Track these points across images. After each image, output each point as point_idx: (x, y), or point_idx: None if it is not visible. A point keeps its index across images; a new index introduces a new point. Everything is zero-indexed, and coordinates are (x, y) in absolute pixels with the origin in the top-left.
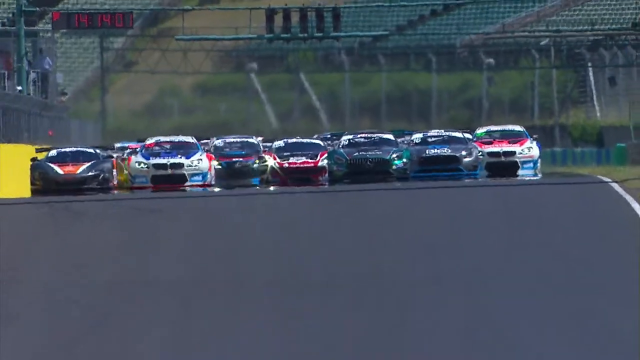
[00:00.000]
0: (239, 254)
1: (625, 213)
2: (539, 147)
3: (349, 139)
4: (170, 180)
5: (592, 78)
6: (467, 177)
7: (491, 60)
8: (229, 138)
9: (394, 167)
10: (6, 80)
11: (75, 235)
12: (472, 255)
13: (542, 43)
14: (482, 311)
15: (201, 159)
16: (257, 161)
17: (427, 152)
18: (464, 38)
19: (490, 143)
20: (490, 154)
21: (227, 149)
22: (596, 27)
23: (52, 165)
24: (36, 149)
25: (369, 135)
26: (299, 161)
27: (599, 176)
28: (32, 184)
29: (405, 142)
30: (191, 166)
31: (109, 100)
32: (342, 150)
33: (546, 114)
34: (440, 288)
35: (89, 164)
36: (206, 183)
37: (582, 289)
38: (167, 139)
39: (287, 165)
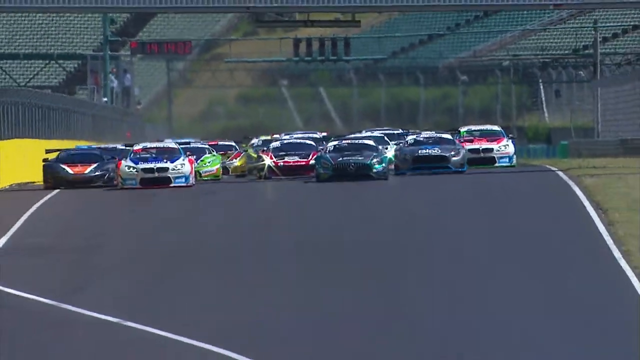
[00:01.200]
0: (273, 224)
1: (567, 190)
2: (514, 145)
3: (334, 145)
4: (156, 182)
5: (542, 91)
6: (455, 173)
7: (465, 78)
8: (293, 135)
9: (374, 170)
10: (95, 93)
11: (150, 210)
12: (453, 222)
13: (504, 64)
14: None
15: (184, 164)
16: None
17: (419, 152)
18: (445, 61)
19: (471, 141)
20: (471, 150)
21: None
22: (545, 52)
23: (62, 165)
24: (46, 150)
25: (352, 141)
26: (292, 160)
27: (548, 166)
28: (44, 181)
29: (400, 142)
30: (175, 169)
31: (173, 109)
32: (328, 155)
33: (507, 118)
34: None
35: (96, 164)
36: (188, 184)
37: (536, 244)
38: (153, 145)
39: (282, 163)
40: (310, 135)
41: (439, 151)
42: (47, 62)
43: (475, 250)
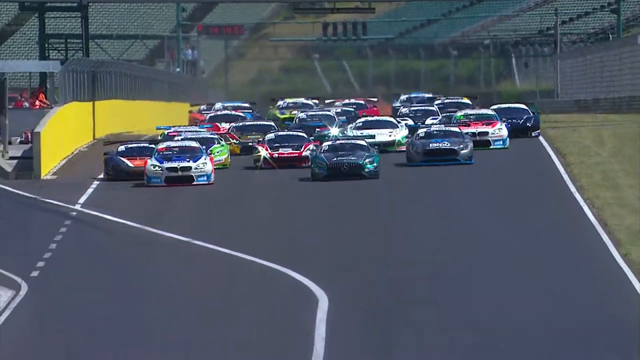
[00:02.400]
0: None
1: (534, 139)
2: (507, 128)
3: (329, 145)
4: (180, 180)
5: (514, 63)
6: (463, 165)
7: (455, 53)
8: (310, 111)
9: (366, 170)
10: (170, 65)
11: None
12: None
13: (485, 42)
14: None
15: (205, 162)
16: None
17: (430, 146)
18: (440, 40)
19: (467, 125)
20: (468, 134)
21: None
22: (517, 32)
23: (123, 159)
24: (103, 143)
25: (345, 141)
26: (286, 151)
27: None
28: (105, 173)
29: (409, 136)
30: (197, 168)
31: (229, 77)
32: (323, 155)
33: (487, 85)
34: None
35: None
36: (210, 182)
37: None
38: (176, 144)
39: (276, 155)
40: (306, 101)
41: (449, 145)
42: (133, 41)
43: (458, 179)
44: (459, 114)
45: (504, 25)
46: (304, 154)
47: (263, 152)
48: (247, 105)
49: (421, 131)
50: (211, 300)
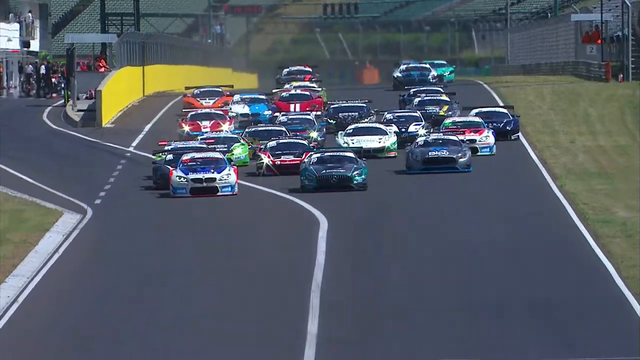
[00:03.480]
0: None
1: (490, 96)
2: (494, 136)
3: (317, 157)
4: (204, 191)
5: (474, 36)
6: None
7: (428, 28)
8: (290, 115)
9: (354, 182)
10: (204, 38)
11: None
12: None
13: (451, 20)
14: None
15: (229, 174)
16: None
17: (429, 154)
18: (416, 17)
19: (455, 133)
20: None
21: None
22: (477, 12)
23: (170, 168)
24: (153, 152)
25: (334, 153)
26: (288, 159)
27: (478, 81)
28: (154, 182)
29: (409, 144)
30: (222, 180)
31: (250, 47)
32: (312, 167)
33: (453, 53)
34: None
35: None
36: (234, 193)
37: None
38: (200, 155)
39: (279, 162)
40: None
41: (447, 153)
42: (174, 18)
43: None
44: (447, 121)
45: (466, 6)
46: (304, 161)
47: (266, 160)
48: (262, 97)
49: (420, 139)
50: (236, 222)
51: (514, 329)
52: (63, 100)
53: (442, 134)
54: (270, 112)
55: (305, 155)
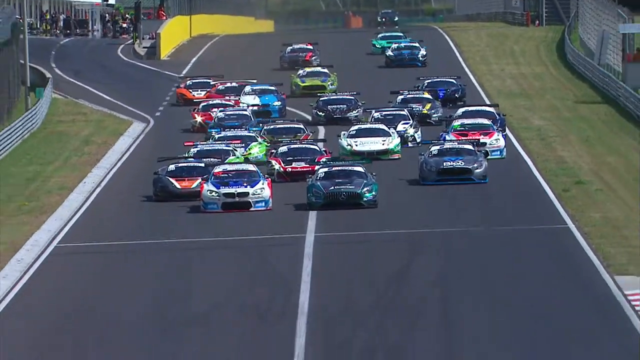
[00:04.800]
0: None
1: (442, 38)
2: (504, 138)
3: (325, 172)
4: (237, 207)
5: None
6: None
7: None
8: (228, 111)
9: (364, 199)
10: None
11: None
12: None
13: None
14: None
15: (263, 188)
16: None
17: (444, 165)
18: None
19: (465, 135)
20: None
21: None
22: None
23: (171, 179)
24: (158, 159)
25: (342, 168)
26: (299, 166)
27: (434, 26)
28: (154, 194)
29: (422, 153)
30: (255, 194)
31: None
32: (319, 183)
33: (415, 5)
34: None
35: (201, 178)
36: (268, 208)
37: None
38: (233, 167)
39: (290, 169)
40: (323, 70)
41: (463, 163)
42: None
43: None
44: (456, 123)
45: None
46: (316, 168)
47: (277, 166)
48: (272, 88)
49: (434, 148)
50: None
51: None
52: (132, 40)
53: (456, 143)
54: (279, 102)
55: (318, 161)
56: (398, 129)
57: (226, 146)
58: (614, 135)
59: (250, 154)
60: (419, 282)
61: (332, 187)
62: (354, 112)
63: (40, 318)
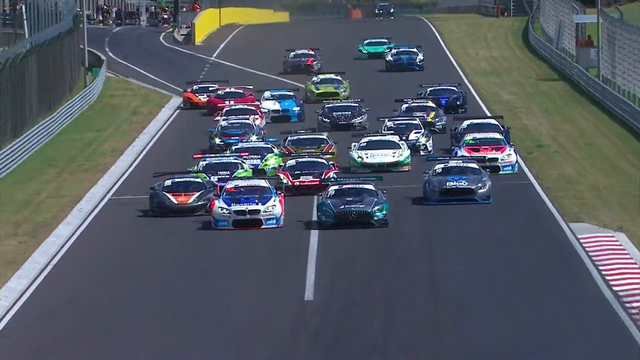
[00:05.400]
0: None
1: (428, 28)
2: (516, 153)
3: (335, 189)
4: (248, 224)
5: None
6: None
7: None
8: (231, 119)
9: (375, 218)
10: None
11: None
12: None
13: None
14: None
15: (275, 205)
16: None
17: (447, 184)
18: None
19: (477, 150)
20: (477, 159)
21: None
22: None
23: (167, 194)
24: (153, 175)
25: (353, 185)
26: (307, 180)
27: (420, 17)
28: (150, 210)
29: (427, 172)
30: (266, 212)
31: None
32: (329, 201)
33: None
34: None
35: (198, 194)
36: (279, 225)
37: None
38: (245, 183)
39: (298, 183)
40: (335, 77)
41: (466, 183)
42: None
43: None
44: (468, 137)
45: None
46: (323, 182)
47: (285, 180)
48: (291, 93)
49: (438, 167)
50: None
51: None
52: (171, 29)
53: (461, 161)
54: (298, 108)
55: (325, 175)
56: (410, 137)
57: (235, 159)
58: (569, 107)
59: (266, 165)
60: (404, 239)
61: (343, 206)
62: (358, 118)
63: (98, 255)
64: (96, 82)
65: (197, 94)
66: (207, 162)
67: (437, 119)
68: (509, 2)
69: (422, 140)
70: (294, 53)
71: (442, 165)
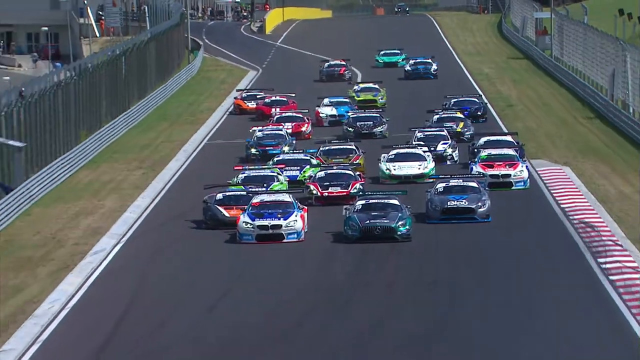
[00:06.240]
0: None
1: (431, 22)
2: (528, 170)
3: (362, 204)
4: (270, 238)
5: None
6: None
7: None
8: (265, 130)
9: (398, 233)
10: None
11: None
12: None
13: None
14: None
15: (296, 220)
16: None
17: (448, 204)
18: None
19: (492, 166)
20: (492, 175)
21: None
22: None
23: (220, 208)
24: (204, 187)
25: (379, 200)
26: (335, 190)
27: (425, 14)
28: (204, 222)
29: (429, 190)
30: (288, 227)
31: None
32: (355, 216)
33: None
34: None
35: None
36: (300, 240)
37: None
38: (271, 198)
39: (326, 194)
40: (374, 85)
41: (467, 203)
42: None
43: None
44: (483, 154)
45: None
46: (350, 192)
47: (314, 191)
48: (347, 100)
49: (440, 186)
50: None
51: None
52: (249, 22)
53: (461, 180)
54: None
55: (352, 187)
56: (438, 148)
57: (271, 172)
58: (530, 78)
59: (304, 177)
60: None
61: (368, 221)
62: (379, 127)
63: (201, 180)
64: (196, 60)
65: (245, 101)
66: (245, 174)
67: (465, 129)
68: (488, 2)
69: (449, 150)
70: (328, 63)
71: (443, 184)
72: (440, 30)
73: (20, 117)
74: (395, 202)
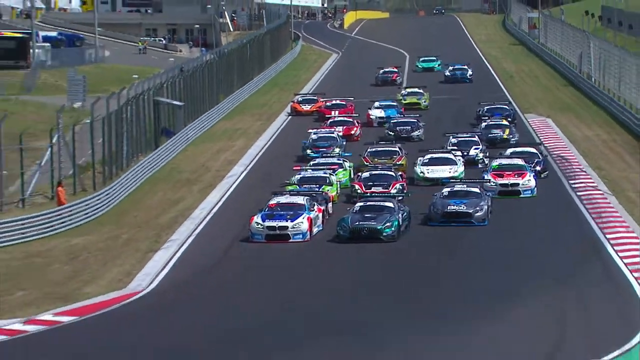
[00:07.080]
0: None
1: (455, 18)
2: (536, 179)
3: (360, 206)
4: (277, 238)
5: None
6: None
7: None
8: (320, 133)
9: (383, 234)
10: None
11: None
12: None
13: None
14: None
15: (302, 222)
16: None
17: (448, 208)
18: None
19: (502, 176)
20: (502, 184)
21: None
22: None
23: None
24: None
25: (376, 202)
26: (377, 190)
27: (452, 14)
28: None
29: (435, 194)
30: (294, 228)
31: (381, 1)
32: (348, 217)
33: (448, 4)
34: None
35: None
36: (305, 240)
37: None
38: (285, 200)
39: (369, 192)
40: (419, 90)
41: (465, 208)
42: None
43: None
44: (495, 163)
45: None
46: (391, 191)
47: (359, 190)
48: (394, 103)
49: (445, 190)
50: None
51: None
52: (333, 21)
53: (465, 185)
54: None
55: (393, 186)
56: (470, 153)
57: (324, 173)
58: (525, 58)
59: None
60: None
61: (357, 222)
62: (416, 132)
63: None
64: (297, 47)
65: (301, 104)
66: (301, 175)
67: (511, 136)
68: (496, 5)
69: (480, 155)
70: (383, 70)
71: (448, 189)
72: (463, 26)
73: (180, 85)
74: (390, 204)
